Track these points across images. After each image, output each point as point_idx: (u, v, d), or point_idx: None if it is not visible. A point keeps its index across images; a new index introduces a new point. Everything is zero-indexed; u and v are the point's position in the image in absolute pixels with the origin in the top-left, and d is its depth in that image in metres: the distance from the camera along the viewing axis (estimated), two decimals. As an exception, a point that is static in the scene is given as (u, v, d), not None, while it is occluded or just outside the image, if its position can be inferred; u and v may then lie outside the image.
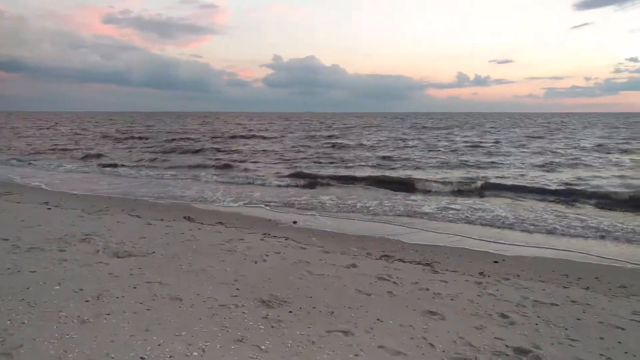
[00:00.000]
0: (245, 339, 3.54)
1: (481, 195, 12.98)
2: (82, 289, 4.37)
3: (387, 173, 17.14)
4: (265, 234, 7.67)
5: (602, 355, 3.61)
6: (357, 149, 27.49)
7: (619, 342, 3.86)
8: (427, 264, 6.20)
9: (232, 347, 3.40)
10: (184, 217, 9.03)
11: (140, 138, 36.39)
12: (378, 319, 4.10)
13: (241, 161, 21.45)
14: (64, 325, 3.60)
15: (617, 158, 22.21)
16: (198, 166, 19.97)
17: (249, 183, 15.20)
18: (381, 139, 36.51)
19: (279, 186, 14.61)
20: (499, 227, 9.01)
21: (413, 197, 12.58)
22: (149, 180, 15.93)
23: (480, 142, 31.92)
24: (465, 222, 9.47)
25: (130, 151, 26.94)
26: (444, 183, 14.28)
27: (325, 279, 5.22)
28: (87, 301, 4.10)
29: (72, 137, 39.17)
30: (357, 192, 13.47)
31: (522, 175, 16.63)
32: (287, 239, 7.37)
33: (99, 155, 24.03)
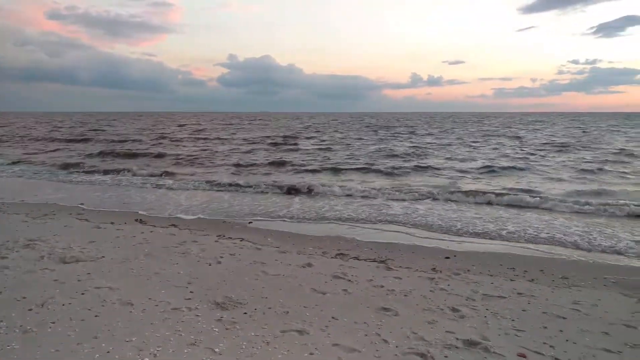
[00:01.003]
0: (199, 342, 3.49)
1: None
2: (24, 297, 4.17)
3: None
4: (220, 235, 7.58)
5: (545, 343, 3.78)
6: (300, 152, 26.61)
7: (561, 331, 4.05)
8: (382, 261, 6.30)
9: (185, 350, 3.34)
10: (136, 220, 8.79)
11: (81, 140, 34.31)
12: (333, 317, 4.13)
13: (191, 163, 20.93)
14: (4, 336, 3.43)
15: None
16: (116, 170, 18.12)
17: (192, 188, 14.61)
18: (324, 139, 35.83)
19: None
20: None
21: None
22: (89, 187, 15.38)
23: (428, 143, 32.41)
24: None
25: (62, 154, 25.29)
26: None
27: (281, 279, 5.22)
28: (30, 310, 3.92)
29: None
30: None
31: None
32: (242, 240, 7.31)
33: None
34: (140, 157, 23.27)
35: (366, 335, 3.80)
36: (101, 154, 24.35)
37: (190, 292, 4.59)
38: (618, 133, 41.53)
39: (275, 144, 30.33)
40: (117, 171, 17.65)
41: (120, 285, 4.66)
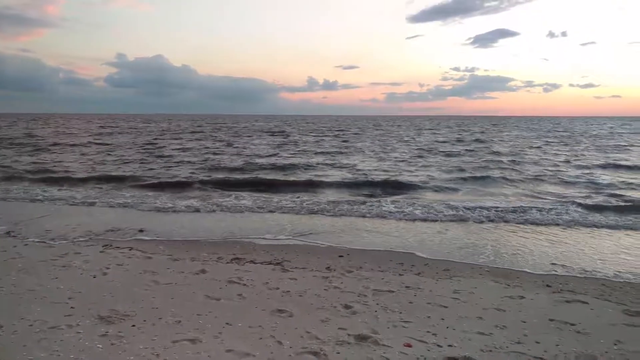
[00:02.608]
0: (80, 361, 3.25)
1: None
2: None
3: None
4: (106, 245, 7.12)
5: (428, 332, 4.05)
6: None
7: (442, 319, 4.38)
8: (278, 263, 6.34)
9: (64, 372, 3.10)
10: (6, 233, 7.95)
11: None
12: (227, 323, 4.08)
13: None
14: None
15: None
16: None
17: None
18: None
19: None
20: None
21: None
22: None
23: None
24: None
25: None
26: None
27: (173, 287, 5.04)
28: None
29: None
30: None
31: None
32: (131, 249, 6.93)
33: None
34: None
35: (261, 338, 3.80)
36: None
37: (71, 307, 4.27)
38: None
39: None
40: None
41: (-14, 306, 4.19)
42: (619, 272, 6.37)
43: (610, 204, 11.26)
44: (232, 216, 10.20)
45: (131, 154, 24.13)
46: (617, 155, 24.18)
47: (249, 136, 40.45)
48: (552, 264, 6.71)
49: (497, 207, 10.67)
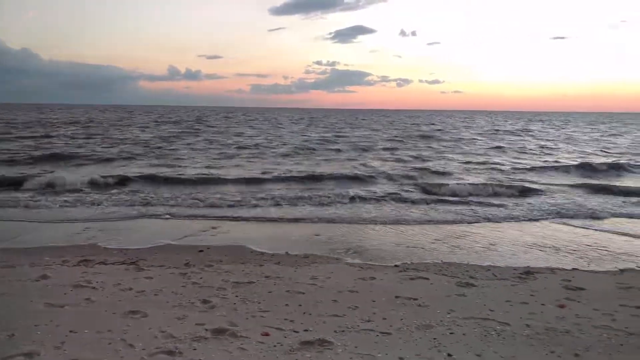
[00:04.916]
0: None
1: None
2: None
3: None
4: None
5: (286, 319, 4.15)
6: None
7: (300, 305, 4.53)
8: (132, 263, 5.99)
9: None
10: None
11: None
12: (71, 331, 3.75)
13: None
14: None
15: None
16: None
17: None
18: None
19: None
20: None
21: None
22: None
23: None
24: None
25: None
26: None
27: (6, 298, 4.49)
28: None
29: None
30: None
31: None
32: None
33: None
34: None
35: (110, 343, 3.56)
36: None
37: None
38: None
39: None
40: None
41: None
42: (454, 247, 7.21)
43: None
44: None
45: None
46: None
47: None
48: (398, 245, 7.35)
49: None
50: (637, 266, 6.43)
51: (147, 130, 35.15)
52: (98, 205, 10.19)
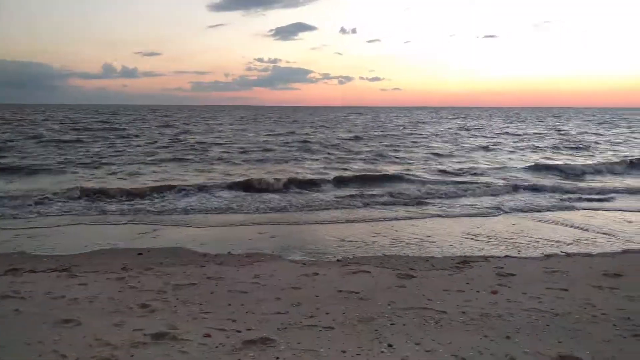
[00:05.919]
0: None
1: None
2: None
3: None
4: None
5: (228, 319, 4.11)
6: None
7: (242, 305, 4.49)
8: (65, 269, 5.70)
9: None
10: None
11: None
12: (-3, 345, 3.53)
13: None
14: None
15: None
16: None
17: None
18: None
19: None
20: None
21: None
22: None
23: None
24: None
25: None
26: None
27: None
28: None
29: None
30: None
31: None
32: None
33: None
34: None
35: (40, 355, 3.39)
36: None
37: None
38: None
39: None
40: None
41: None
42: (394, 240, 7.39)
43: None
44: None
45: None
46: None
47: None
48: (342, 240, 7.44)
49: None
50: (560, 251, 6.85)
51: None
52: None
